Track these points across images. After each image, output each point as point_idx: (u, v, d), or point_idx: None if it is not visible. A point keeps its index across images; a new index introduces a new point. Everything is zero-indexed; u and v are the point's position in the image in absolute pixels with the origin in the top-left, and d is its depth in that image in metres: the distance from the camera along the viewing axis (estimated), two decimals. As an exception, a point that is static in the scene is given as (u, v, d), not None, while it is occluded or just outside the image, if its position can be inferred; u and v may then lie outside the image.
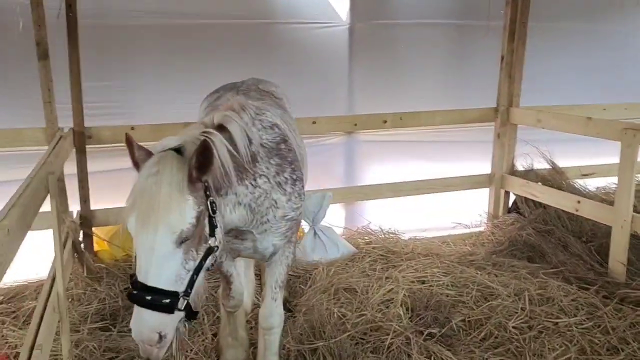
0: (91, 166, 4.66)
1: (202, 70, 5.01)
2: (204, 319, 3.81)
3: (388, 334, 3.46)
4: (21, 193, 2.65)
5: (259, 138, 2.73)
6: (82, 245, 4.46)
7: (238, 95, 3.54)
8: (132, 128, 4.50)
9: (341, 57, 5.54)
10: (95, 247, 4.74)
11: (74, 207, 4.68)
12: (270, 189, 2.72)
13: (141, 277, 2.12)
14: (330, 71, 5.53)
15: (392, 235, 5.53)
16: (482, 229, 5.87)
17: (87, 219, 4.68)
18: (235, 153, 2.47)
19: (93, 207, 4.68)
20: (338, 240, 5.16)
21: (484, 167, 6.00)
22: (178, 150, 2.26)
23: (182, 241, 2.13)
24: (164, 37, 5.01)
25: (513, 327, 3.78)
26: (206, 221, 2.27)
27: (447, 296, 4.21)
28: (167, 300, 2.12)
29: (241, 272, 3.39)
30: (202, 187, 2.25)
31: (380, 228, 5.63)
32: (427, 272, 4.52)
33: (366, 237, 5.48)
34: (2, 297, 4.17)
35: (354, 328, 3.56)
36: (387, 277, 4.44)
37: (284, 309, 3.89)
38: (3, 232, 2.02)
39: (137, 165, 2.25)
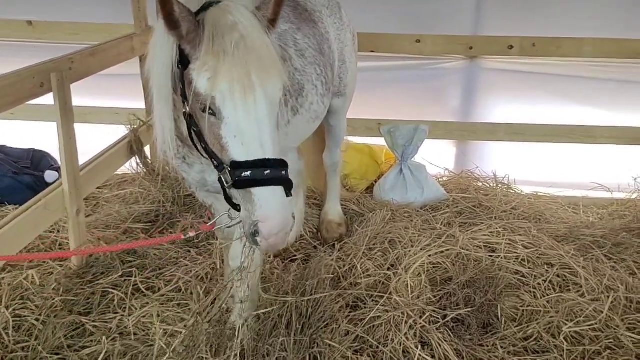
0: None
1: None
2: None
3: (385, 306, 2.85)
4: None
5: None
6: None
7: None
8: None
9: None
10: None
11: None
12: None
13: (262, 153, 1.75)
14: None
15: (503, 187, 4.62)
16: (633, 196, 4.55)
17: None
18: None
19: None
20: (426, 182, 4.45)
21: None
22: None
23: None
24: None
25: (572, 334, 2.87)
26: None
27: (517, 273, 3.37)
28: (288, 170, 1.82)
29: None
30: None
31: (494, 175, 4.74)
32: (505, 239, 3.66)
33: (471, 185, 4.66)
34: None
35: (353, 289, 3.01)
36: (451, 236, 3.69)
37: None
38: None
39: (175, 24, 1.79)
